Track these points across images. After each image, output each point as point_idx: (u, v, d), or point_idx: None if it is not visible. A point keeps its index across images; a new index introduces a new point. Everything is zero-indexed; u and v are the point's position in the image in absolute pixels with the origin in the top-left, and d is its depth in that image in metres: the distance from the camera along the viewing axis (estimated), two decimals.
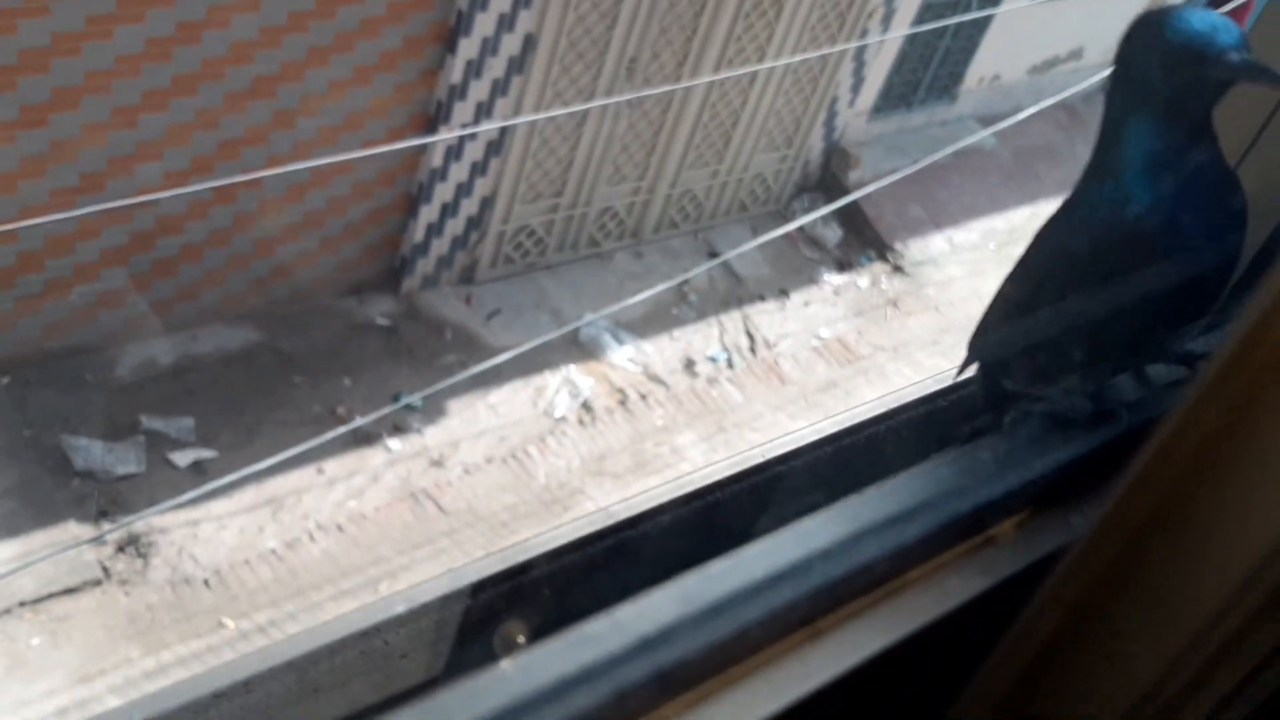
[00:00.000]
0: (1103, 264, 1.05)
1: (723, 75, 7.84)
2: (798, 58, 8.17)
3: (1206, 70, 0.98)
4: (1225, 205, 1.03)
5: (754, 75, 8.21)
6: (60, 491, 5.95)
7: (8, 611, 5.54)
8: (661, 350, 8.02)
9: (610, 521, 1.07)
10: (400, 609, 0.95)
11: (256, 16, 5.94)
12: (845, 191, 8.93)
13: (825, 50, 8.26)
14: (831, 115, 9.16)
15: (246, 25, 5.94)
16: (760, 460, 1.16)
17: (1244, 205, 1.03)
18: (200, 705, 0.83)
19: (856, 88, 9.16)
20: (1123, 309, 1.03)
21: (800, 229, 8.67)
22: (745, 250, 7.37)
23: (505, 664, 0.69)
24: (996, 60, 10.12)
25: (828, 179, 9.51)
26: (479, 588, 1.03)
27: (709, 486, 1.12)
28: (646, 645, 0.71)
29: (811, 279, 9.01)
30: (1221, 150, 1.04)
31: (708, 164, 8.63)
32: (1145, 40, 1.02)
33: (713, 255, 8.68)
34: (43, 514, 5.85)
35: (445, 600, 1.01)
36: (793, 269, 8.98)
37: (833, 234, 9.24)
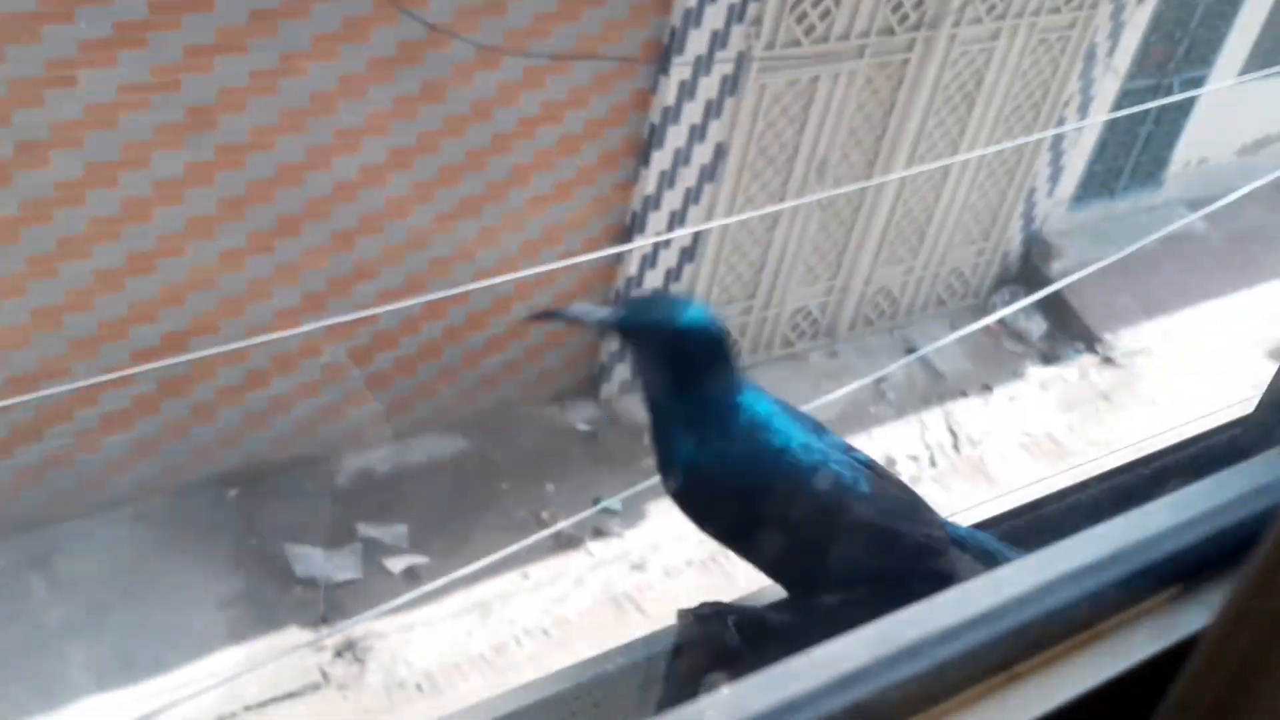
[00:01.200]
0: None
1: (914, 170, 7.81)
2: (992, 149, 8.08)
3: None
4: None
5: (947, 169, 8.15)
6: (283, 598, 6.23)
7: (234, 716, 5.79)
8: (860, 449, 7.90)
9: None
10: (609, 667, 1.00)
11: (463, 140, 6.25)
12: (1048, 283, 8.70)
13: (1020, 140, 8.14)
14: (1030, 205, 8.98)
15: (454, 150, 6.26)
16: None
17: None
18: None
19: (1055, 177, 8.98)
20: None
21: (1002, 322, 8.48)
22: (945, 345, 7.25)
23: (706, 702, 0.71)
24: (1203, 142, 9.77)
25: (1029, 270, 9.29)
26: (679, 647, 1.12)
27: None
28: (845, 684, 0.72)
29: (1016, 373, 8.77)
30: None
31: (902, 260, 8.56)
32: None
33: (910, 351, 8.56)
34: (267, 620, 6.13)
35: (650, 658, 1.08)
36: (995, 363, 8.77)
37: (1036, 326, 8.99)
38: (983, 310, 9.02)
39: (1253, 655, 0.74)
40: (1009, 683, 0.81)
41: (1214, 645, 0.76)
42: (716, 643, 1.21)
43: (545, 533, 6.09)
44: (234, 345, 5.63)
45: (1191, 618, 0.84)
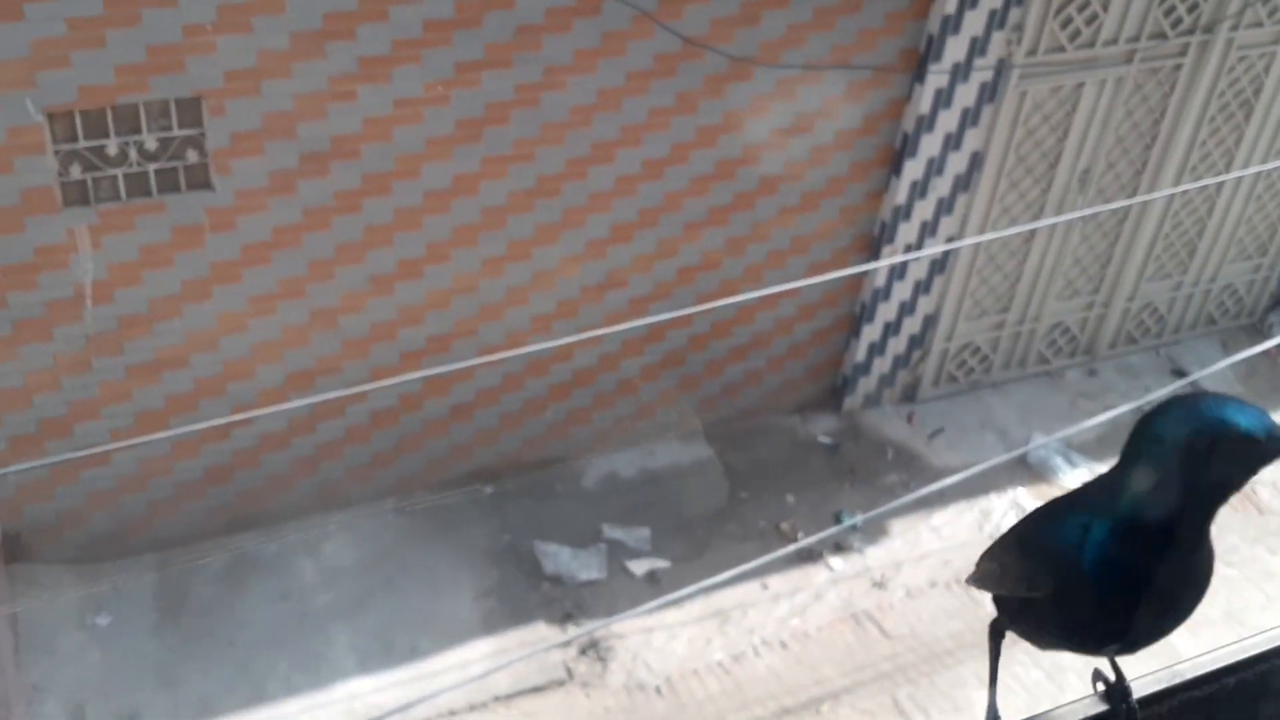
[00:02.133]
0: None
1: (1184, 187, 7.39)
2: (1269, 166, 7.56)
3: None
4: None
5: (1220, 181, 7.68)
6: (532, 594, 6.43)
7: (484, 705, 6.01)
8: None
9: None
10: None
11: (713, 151, 6.32)
12: None
13: None
14: None
15: (704, 161, 6.33)
16: None
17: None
18: None
19: None
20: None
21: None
22: (1216, 368, 6.82)
23: None
24: None
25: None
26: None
27: None
28: None
29: None
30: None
31: (1170, 275, 8.12)
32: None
33: (1178, 373, 8.10)
34: (516, 614, 6.34)
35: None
36: (1272, 388, 8.20)
37: None
38: (1258, 331, 8.46)
39: None
40: None
41: None
42: None
43: (789, 549, 6.06)
44: (493, 358, 5.85)
45: None
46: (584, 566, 6.54)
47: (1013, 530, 1.39)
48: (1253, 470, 1.11)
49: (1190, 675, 1.09)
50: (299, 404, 5.51)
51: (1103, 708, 1.09)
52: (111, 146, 5.21)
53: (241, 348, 5.88)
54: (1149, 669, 1.14)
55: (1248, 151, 7.64)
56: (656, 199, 6.35)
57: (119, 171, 5.28)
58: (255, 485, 6.30)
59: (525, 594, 6.43)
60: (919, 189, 6.85)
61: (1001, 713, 1.27)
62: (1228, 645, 1.06)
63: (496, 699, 6.01)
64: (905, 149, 6.69)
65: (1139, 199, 7.24)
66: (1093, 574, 1.15)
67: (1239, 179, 7.79)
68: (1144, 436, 1.15)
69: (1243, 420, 1.08)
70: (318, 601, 6.22)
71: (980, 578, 1.45)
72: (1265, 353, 7.95)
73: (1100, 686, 1.19)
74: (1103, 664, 1.23)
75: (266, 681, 5.85)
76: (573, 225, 6.25)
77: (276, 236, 5.65)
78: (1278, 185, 8.05)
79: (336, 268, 5.86)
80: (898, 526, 7.08)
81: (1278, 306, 8.67)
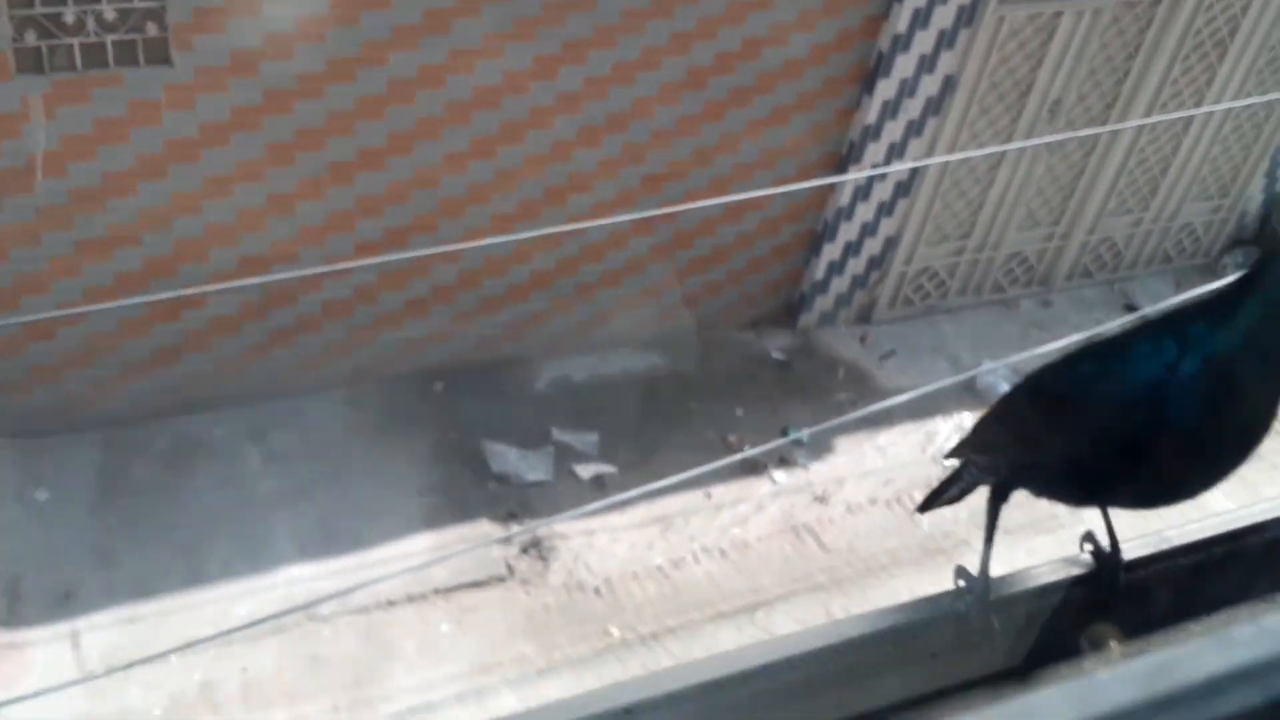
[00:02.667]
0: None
1: (1154, 119, 7.39)
2: (1241, 103, 7.57)
3: None
4: None
5: (1189, 119, 7.69)
6: (477, 491, 6.47)
7: (423, 597, 6.08)
8: None
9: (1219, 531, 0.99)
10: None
11: (685, 59, 6.22)
12: None
13: (1273, 97, 7.60)
14: (1275, 165, 8.41)
15: (676, 67, 6.23)
16: None
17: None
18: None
19: None
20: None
21: None
22: (1167, 305, 6.90)
23: (1103, 671, 0.59)
24: None
25: (1266, 234, 8.73)
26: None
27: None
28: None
29: None
30: None
31: (1131, 211, 8.16)
32: None
33: (1129, 308, 8.19)
34: (460, 510, 6.38)
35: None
36: None
37: None
38: (1211, 271, 8.54)
39: None
40: None
41: None
42: (1104, 592, 1.07)
43: (734, 458, 6.13)
44: (449, 248, 5.80)
45: None
46: (531, 467, 6.58)
47: (1032, 381, 1.20)
48: None
49: (1179, 543, 1.07)
50: (252, 281, 5.43)
51: (1085, 568, 1.06)
52: (69, 14, 5.04)
53: (195, 229, 5.78)
54: (1137, 532, 1.11)
55: (1219, 91, 7.64)
56: (626, 104, 6.26)
57: (75, 41, 5.11)
58: (204, 369, 6.24)
59: (470, 491, 6.46)
60: (890, 109, 6.80)
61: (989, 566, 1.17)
62: (1219, 515, 1.04)
63: (436, 591, 6.07)
64: (879, 68, 6.62)
65: (1107, 128, 7.23)
66: (1178, 420, 1.00)
67: (1207, 118, 7.80)
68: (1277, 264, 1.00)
69: None
70: (261, 488, 6.22)
71: (982, 443, 1.28)
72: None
73: (1089, 547, 1.12)
74: (1096, 526, 1.15)
75: (205, 564, 5.87)
76: (539, 125, 6.15)
77: (236, 117, 5.52)
78: (1245, 127, 8.08)
79: (296, 153, 5.75)
80: (843, 444, 7.16)
81: (1233, 248, 8.75)
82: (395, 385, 6.73)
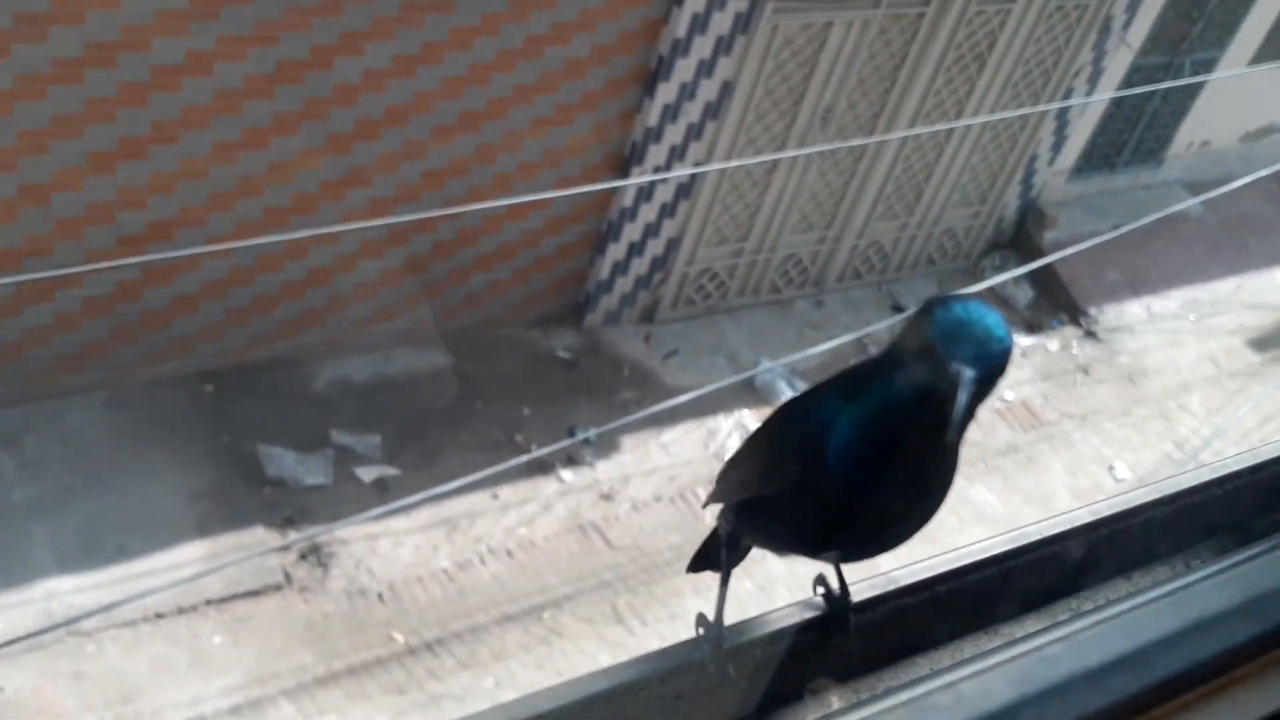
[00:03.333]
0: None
1: (918, 130, 7.76)
2: (998, 115, 8.03)
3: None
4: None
5: (951, 130, 8.11)
6: (251, 497, 6.23)
7: (194, 609, 5.83)
8: None
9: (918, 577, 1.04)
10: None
11: (468, 54, 6.17)
12: (1039, 252, 8.71)
13: (1027, 110, 8.09)
14: (1030, 173, 8.96)
15: (458, 63, 6.17)
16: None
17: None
18: None
19: (1058, 146, 8.95)
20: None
21: (990, 288, 8.48)
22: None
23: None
24: (1207, 125, 9.74)
25: (1021, 238, 9.29)
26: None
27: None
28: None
29: None
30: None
31: (897, 216, 8.54)
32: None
33: (896, 309, 8.56)
34: (234, 517, 6.14)
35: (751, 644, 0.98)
36: None
37: (1023, 294, 9.01)
38: (972, 274, 9.03)
39: None
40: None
41: None
42: (835, 634, 1.10)
43: (521, 459, 6.10)
44: (222, 246, 5.58)
45: None
46: (309, 471, 6.38)
47: (766, 422, 1.27)
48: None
49: (905, 582, 1.11)
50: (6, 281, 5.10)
51: (818, 611, 1.10)
52: None
53: None
54: (864, 576, 1.16)
55: (978, 102, 8.08)
56: (406, 97, 6.16)
57: None
58: None
59: (244, 497, 6.22)
60: (670, 112, 6.92)
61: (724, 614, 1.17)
62: (939, 555, 1.10)
63: (208, 602, 5.83)
64: (660, 71, 6.73)
65: (874, 139, 7.55)
66: (834, 464, 1.06)
67: (967, 129, 8.23)
68: (908, 326, 1.07)
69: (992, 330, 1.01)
70: (15, 496, 5.83)
71: (721, 489, 1.35)
72: (977, 295, 8.49)
73: (821, 590, 1.16)
74: (827, 570, 1.19)
75: None
76: (315, 117, 5.98)
77: None
78: (1002, 137, 8.57)
79: (50, 140, 5.42)
80: (629, 442, 7.23)
81: (990, 252, 9.27)
82: (162, 387, 6.42)
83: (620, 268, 7.53)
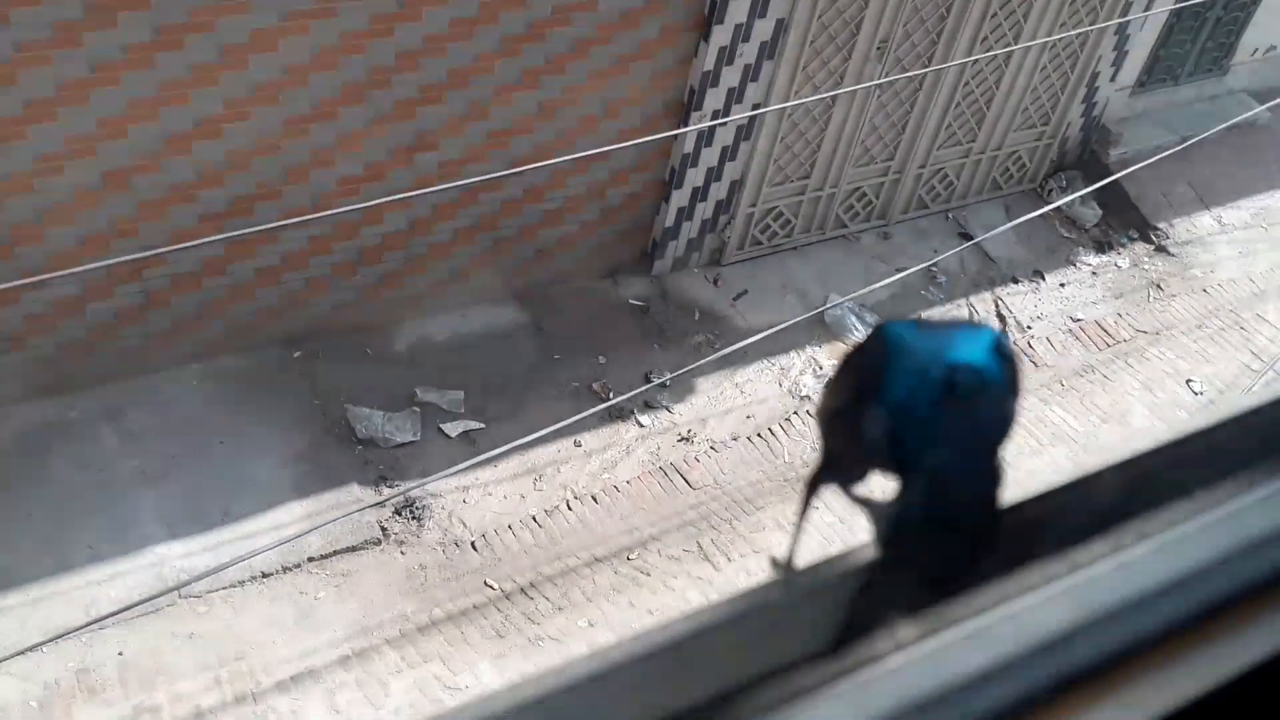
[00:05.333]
0: None
1: (976, 56, 7.71)
2: (1056, 36, 7.95)
3: None
4: None
5: (1009, 53, 8.04)
6: (344, 457, 6.46)
7: (298, 566, 6.06)
8: None
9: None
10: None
11: (525, 12, 6.25)
12: (1105, 170, 8.64)
13: (1086, 28, 7.99)
14: (1091, 91, 8.86)
15: (515, 21, 6.25)
16: None
17: None
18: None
19: (1119, 62, 8.83)
20: None
21: (1057, 208, 8.44)
22: (998, 231, 7.24)
23: (894, 658, 0.68)
24: (1272, 30, 9.53)
25: (1087, 157, 9.20)
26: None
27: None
28: (1046, 648, 0.71)
29: (1068, 260, 8.76)
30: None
31: (960, 143, 8.51)
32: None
33: (964, 236, 8.56)
34: (329, 477, 6.37)
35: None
36: (1048, 249, 8.76)
37: (1091, 213, 8.95)
38: (1039, 196, 8.98)
39: None
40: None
41: None
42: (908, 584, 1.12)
43: (600, 407, 6.25)
44: (304, 219, 5.74)
45: None
46: (398, 429, 6.59)
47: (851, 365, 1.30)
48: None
49: None
50: (94, 266, 5.31)
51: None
52: None
53: (27, 210, 5.61)
54: None
55: (1035, 23, 7.99)
56: (467, 59, 6.26)
57: None
58: (52, 352, 6.07)
59: (338, 458, 6.44)
60: (726, 55, 6.95)
61: (797, 555, 1.12)
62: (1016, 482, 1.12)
63: (311, 560, 6.06)
64: (713, 14, 6.76)
65: (932, 68, 7.52)
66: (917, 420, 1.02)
67: (1026, 51, 8.16)
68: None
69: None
70: (122, 469, 6.10)
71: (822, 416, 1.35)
72: (1043, 216, 8.47)
73: None
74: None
75: (70, 551, 5.75)
76: (380, 85, 6.11)
77: (61, 92, 5.36)
78: (1062, 56, 8.48)
79: (129, 126, 5.61)
80: (703, 384, 7.35)
81: (1056, 173, 9.20)
82: (253, 356, 6.65)
83: (685, 213, 7.61)
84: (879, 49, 7.48)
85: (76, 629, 5.27)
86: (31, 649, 5.07)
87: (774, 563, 1.15)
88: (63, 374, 6.13)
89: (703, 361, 6.72)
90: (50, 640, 5.19)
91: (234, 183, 6.02)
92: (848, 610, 0.93)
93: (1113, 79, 8.91)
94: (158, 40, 5.44)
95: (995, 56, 8.03)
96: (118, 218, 5.83)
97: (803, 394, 7.47)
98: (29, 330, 5.96)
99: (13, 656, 4.93)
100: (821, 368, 7.63)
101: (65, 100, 5.39)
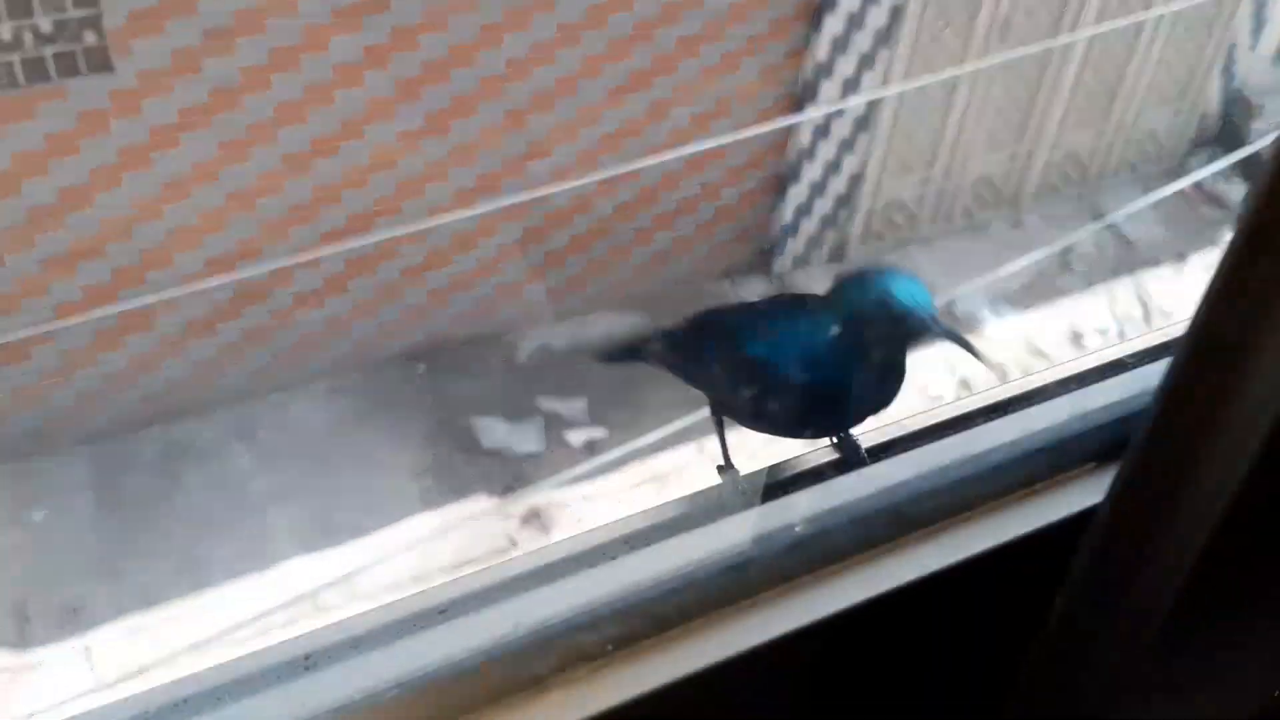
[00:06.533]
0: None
1: (1104, 28, 7.39)
2: (1187, 2, 7.57)
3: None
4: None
5: (1140, 24, 7.69)
6: (471, 468, 6.47)
7: (428, 578, 6.09)
8: (1044, 322, 7.68)
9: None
10: None
11: (631, 14, 6.20)
12: (1248, 143, 8.19)
13: None
14: (1230, 62, 8.42)
15: (622, 23, 6.21)
16: None
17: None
18: None
19: (1258, 30, 8.37)
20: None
21: (1198, 186, 8.03)
22: (1136, 211, 6.91)
23: None
24: None
25: (1228, 130, 8.75)
26: None
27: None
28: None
29: (1213, 240, 8.32)
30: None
31: (1091, 122, 8.16)
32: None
33: (1099, 218, 8.21)
34: (457, 489, 6.39)
35: None
36: (1191, 230, 8.34)
37: (1235, 190, 8.49)
38: (1178, 174, 8.56)
39: (1138, 521, 0.87)
40: (950, 527, 1.05)
41: (1107, 513, 0.91)
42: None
43: None
44: (416, 226, 5.80)
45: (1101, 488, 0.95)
46: (522, 439, 6.58)
47: (693, 328, 1.47)
48: (900, 340, 1.22)
49: (914, 428, 1.23)
50: (217, 282, 5.44)
51: (834, 457, 1.25)
52: (5, 31, 5.01)
53: (157, 235, 5.77)
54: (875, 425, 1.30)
55: None
56: (574, 64, 6.24)
57: (15, 57, 5.08)
58: (183, 373, 6.23)
59: (464, 469, 6.47)
60: (840, 44, 6.79)
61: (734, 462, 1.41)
62: (947, 404, 1.24)
63: (440, 571, 6.08)
64: (824, 3, 6.61)
65: (1057, 41, 7.23)
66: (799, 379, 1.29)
67: (1157, 22, 7.80)
68: (835, 295, 1.28)
69: (900, 294, 1.20)
70: (254, 486, 6.22)
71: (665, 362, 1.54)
72: (1184, 196, 8.07)
73: (832, 440, 1.32)
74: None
75: (208, 567, 5.88)
76: (490, 96, 6.13)
77: (184, 118, 5.50)
78: (1196, 26, 8.08)
79: (249, 148, 5.73)
80: None
81: (1196, 149, 8.77)
82: (377, 371, 6.72)
83: (804, 209, 7.46)
84: (1001, 31, 7.22)
85: (214, 640, 5.37)
86: (172, 662, 5.18)
87: (720, 468, 1.36)
88: (196, 395, 6.28)
89: None
90: (190, 653, 5.31)
91: (351, 200, 6.10)
92: None
93: (1252, 48, 8.45)
94: (272, 63, 5.55)
95: (1124, 31, 7.69)
96: (242, 239, 5.96)
97: (934, 391, 7.23)
98: (164, 353, 6.13)
99: (155, 669, 5.04)
100: (954, 362, 7.38)
101: (187, 126, 5.52)
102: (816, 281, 7.72)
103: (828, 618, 0.99)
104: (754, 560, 1.02)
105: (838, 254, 7.79)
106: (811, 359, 1.28)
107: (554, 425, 6.72)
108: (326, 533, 6.11)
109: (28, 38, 5.06)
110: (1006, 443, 1.13)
